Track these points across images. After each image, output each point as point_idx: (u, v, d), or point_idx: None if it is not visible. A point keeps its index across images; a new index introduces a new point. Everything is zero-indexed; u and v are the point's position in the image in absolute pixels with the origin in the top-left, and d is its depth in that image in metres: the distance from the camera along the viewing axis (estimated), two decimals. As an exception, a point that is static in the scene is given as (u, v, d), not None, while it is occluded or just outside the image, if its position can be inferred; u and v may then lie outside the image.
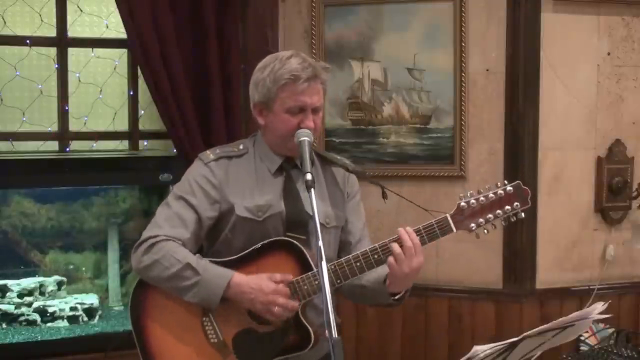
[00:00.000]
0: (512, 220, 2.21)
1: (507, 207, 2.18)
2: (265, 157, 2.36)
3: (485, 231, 2.21)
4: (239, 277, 2.21)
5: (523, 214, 2.20)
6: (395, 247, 2.16)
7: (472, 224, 2.19)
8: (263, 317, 2.21)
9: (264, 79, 2.28)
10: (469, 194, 2.20)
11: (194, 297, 2.22)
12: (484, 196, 2.19)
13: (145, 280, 2.31)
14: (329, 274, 2.17)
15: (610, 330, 3.47)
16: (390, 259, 2.16)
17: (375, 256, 2.20)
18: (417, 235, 2.19)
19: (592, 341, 3.43)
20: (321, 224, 2.26)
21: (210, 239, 2.38)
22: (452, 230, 2.19)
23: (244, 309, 2.23)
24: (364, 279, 2.31)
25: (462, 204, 2.19)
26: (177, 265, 2.22)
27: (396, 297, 2.26)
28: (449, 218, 2.19)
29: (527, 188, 2.21)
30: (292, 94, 2.24)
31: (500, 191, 2.19)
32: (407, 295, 2.29)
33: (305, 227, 2.29)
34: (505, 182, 2.22)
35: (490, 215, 2.19)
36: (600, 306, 1.94)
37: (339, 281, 2.21)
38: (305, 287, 2.21)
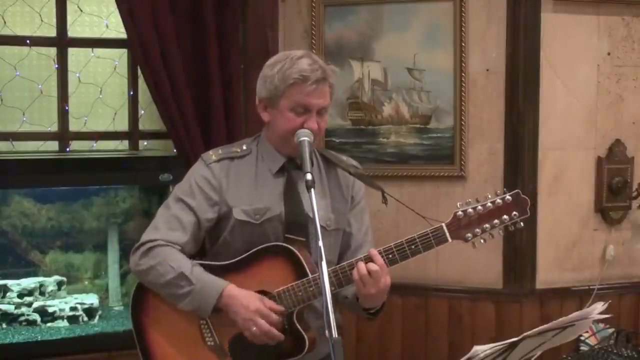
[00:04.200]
0: (511, 229, 2.19)
1: (505, 216, 2.16)
2: (267, 157, 2.36)
3: (482, 240, 2.18)
4: (230, 290, 2.21)
5: (522, 224, 2.18)
6: (362, 268, 2.15)
7: (468, 234, 2.17)
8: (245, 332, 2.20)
9: (273, 75, 2.28)
10: (466, 203, 2.18)
11: (187, 305, 2.23)
12: (481, 205, 2.16)
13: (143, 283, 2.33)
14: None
15: (610, 330, 3.47)
16: (356, 279, 2.16)
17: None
18: (412, 244, 2.18)
19: (592, 341, 3.43)
20: (322, 227, 2.25)
21: (211, 240, 2.39)
22: (447, 240, 2.18)
23: None
24: (347, 290, 2.31)
25: (459, 213, 2.17)
26: (171, 273, 2.22)
27: (371, 312, 2.27)
28: (445, 228, 2.18)
29: (526, 197, 2.18)
30: (299, 93, 2.24)
31: (498, 200, 2.16)
32: (382, 310, 2.29)
33: (305, 229, 2.29)
34: (505, 190, 2.20)
35: (487, 225, 2.16)
36: (600, 306, 1.94)
37: (332, 288, 2.19)
38: (300, 293, 2.20)
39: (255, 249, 2.26)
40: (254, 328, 2.17)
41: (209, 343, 2.27)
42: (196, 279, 2.22)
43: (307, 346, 2.21)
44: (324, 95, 2.27)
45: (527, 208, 2.18)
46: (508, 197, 2.17)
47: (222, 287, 2.21)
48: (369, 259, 2.16)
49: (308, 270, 2.20)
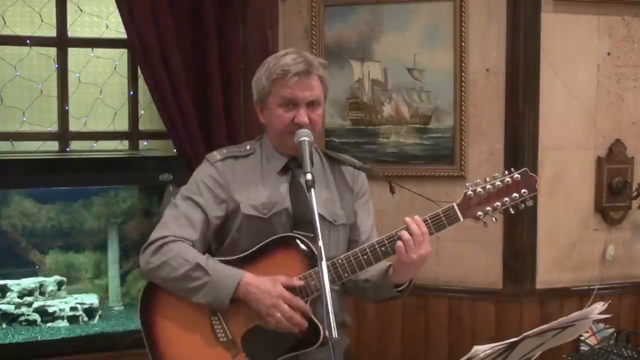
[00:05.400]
0: (521, 207, 2.21)
1: (515, 194, 2.19)
2: (271, 157, 2.38)
3: (494, 219, 2.21)
4: (248, 277, 2.20)
5: (531, 202, 2.20)
6: (405, 234, 2.17)
7: (480, 212, 2.19)
8: (265, 320, 2.19)
9: (261, 76, 2.33)
10: (475, 182, 2.21)
11: (203, 297, 2.22)
12: (490, 184, 2.19)
13: (154, 282, 2.31)
14: (336, 268, 2.20)
15: (610, 330, 3.47)
16: (399, 244, 2.16)
17: (382, 248, 2.20)
18: (425, 225, 2.19)
19: (592, 341, 3.43)
20: (329, 222, 2.31)
21: (218, 240, 2.38)
22: (459, 219, 2.20)
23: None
24: (368, 272, 2.31)
25: (469, 192, 2.19)
26: (186, 265, 2.22)
27: (400, 289, 2.27)
28: (456, 207, 2.20)
29: (534, 175, 2.21)
30: (282, 87, 2.27)
31: (507, 179, 2.19)
32: (410, 287, 2.29)
33: (312, 224, 2.28)
34: (512, 169, 2.22)
35: (497, 203, 2.19)
36: (600, 306, 1.94)
37: (346, 275, 2.21)
38: (313, 282, 2.20)
39: (265, 241, 2.26)
40: (278, 314, 2.15)
41: (221, 339, 2.26)
42: (212, 270, 2.21)
43: (322, 336, 2.19)
44: (309, 88, 2.28)
45: (536, 185, 2.20)
46: (517, 175, 2.20)
47: (240, 276, 2.20)
48: (406, 229, 2.18)
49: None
